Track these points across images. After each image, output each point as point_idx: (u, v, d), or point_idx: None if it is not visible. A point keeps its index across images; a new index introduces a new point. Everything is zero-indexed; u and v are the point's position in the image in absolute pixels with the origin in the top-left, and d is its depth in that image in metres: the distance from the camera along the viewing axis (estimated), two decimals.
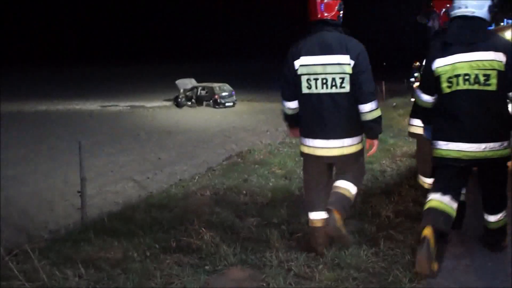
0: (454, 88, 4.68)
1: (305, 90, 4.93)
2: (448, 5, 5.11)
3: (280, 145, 12.77)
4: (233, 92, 32.64)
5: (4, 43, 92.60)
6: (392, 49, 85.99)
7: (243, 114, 28.13)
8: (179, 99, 32.24)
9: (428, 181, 6.02)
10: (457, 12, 4.68)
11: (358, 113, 4.88)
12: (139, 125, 23.50)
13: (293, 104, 5.13)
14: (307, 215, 5.35)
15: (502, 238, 5.09)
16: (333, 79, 4.79)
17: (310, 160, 5.17)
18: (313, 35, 4.94)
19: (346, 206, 5.05)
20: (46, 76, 62.00)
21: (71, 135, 20.24)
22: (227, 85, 33.16)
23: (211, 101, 31.73)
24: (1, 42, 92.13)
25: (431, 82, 4.90)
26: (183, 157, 15.27)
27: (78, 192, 7.98)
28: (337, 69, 4.78)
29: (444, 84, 4.74)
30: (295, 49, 4.98)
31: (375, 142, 5.07)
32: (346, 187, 5.07)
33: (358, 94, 4.80)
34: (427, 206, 4.82)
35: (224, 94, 32.08)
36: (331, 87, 4.81)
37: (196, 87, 32.92)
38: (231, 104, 31.78)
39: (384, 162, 9.80)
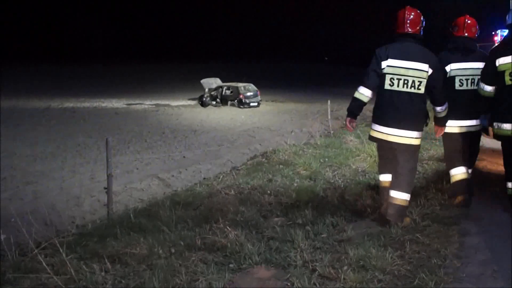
0: None
1: (387, 86, 6.04)
2: None
3: (305, 146, 12.73)
4: (258, 92, 32.60)
5: (30, 40, 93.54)
6: None
7: (268, 114, 28.08)
8: (204, 98, 32.28)
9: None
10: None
11: (424, 112, 6.25)
12: (164, 124, 23.58)
13: (369, 94, 6.12)
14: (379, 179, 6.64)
15: None
16: (413, 81, 5.98)
17: (381, 144, 6.33)
18: (399, 43, 6.12)
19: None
20: (72, 73, 62.53)
21: (98, 132, 20.41)
22: (252, 85, 33.12)
23: (235, 100, 31.71)
24: (27, 39, 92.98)
25: (494, 76, 6.34)
26: (207, 156, 15.30)
27: (105, 188, 8.03)
28: (417, 73, 5.96)
29: (507, 78, 6.16)
30: (382, 52, 6.07)
31: (443, 128, 6.61)
32: (398, 196, 6.14)
33: (435, 98, 6.24)
34: None
35: (249, 94, 32.03)
36: (410, 88, 5.99)
37: (221, 87, 32.94)
38: (255, 104, 31.73)
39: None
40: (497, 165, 9.04)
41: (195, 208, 7.29)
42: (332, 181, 8.75)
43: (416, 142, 6.09)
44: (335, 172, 9.42)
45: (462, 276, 4.70)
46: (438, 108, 6.34)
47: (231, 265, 5.05)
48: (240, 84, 33.07)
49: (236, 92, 32.20)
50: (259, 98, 32.54)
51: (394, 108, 6.01)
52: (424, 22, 6.25)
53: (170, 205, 7.17)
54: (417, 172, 8.58)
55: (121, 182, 11.81)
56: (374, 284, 4.53)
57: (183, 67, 71.30)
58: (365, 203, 7.03)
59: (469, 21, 6.89)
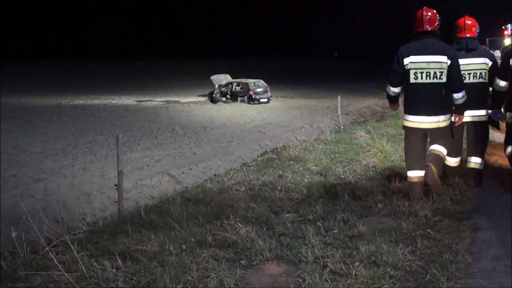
0: None
1: (412, 80, 6.84)
2: None
3: (315, 142, 12.70)
4: (268, 88, 32.54)
5: (40, 37, 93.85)
6: None
7: (278, 110, 28.04)
8: (214, 95, 32.25)
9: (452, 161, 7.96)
10: None
11: (449, 98, 6.91)
12: (174, 120, 23.59)
13: (398, 90, 7.15)
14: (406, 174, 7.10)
15: None
16: (435, 73, 6.75)
17: (412, 131, 7.01)
18: (419, 41, 6.90)
19: (440, 163, 7.14)
20: (82, 70, 62.72)
21: (108, 129, 20.45)
22: (262, 81, 33.04)
23: (245, 97, 31.65)
24: (37, 36, 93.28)
25: (509, 72, 7.04)
26: (218, 153, 15.29)
27: (115, 185, 8.05)
28: (438, 65, 6.74)
29: None
30: (404, 50, 6.88)
31: (462, 116, 7.14)
32: (440, 149, 7.10)
33: (453, 85, 6.84)
34: None
35: (259, 90, 31.97)
36: (433, 78, 6.77)
37: (231, 83, 32.88)
38: (265, 100, 31.66)
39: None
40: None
41: (206, 204, 7.29)
42: (343, 176, 8.73)
43: (445, 124, 6.95)
44: (346, 168, 9.39)
45: (474, 271, 4.68)
46: (455, 95, 6.91)
47: (242, 262, 5.05)
48: (250, 80, 33.02)
49: (246, 88, 32.16)
50: (269, 94, 32.48)
51: (421, 98, 6.84)
52: (440, 20, 7.00)
53: (180, 201, 7.16)
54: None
55: (132, 179, 11.84)
56: (386, 280, 4.52)
57: (193, 64, 71.33)
58: (376, 198, 7.02)
59: (469, 22, 7.65)
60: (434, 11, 6.97)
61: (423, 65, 6.77)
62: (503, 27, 24.66)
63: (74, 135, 18.89)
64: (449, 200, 6.77)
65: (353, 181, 8.32)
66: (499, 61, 7.99)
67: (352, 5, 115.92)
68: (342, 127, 16.80)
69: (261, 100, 31.62)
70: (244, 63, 69.04)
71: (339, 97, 20.14)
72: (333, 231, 5.81)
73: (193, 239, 5.60)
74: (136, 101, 32.93)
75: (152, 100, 33.56)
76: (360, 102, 29.57)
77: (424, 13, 6.91)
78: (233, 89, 32.69)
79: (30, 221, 6.22)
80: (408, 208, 6.48)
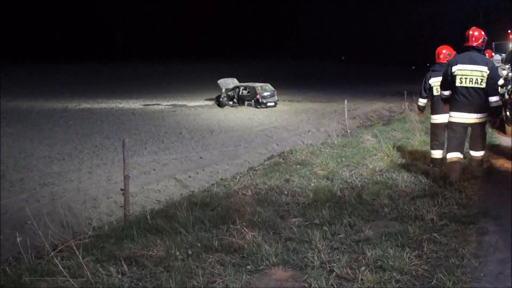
0: None
1: (458, 84, 8.39)
2: None
3: (322, 146, 12.69)
4: (275, 92, 32.52)
5: (45, 40, 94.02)
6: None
7: (285, 114, 28.00)
8: (221, 99, 32.24)
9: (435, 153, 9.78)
10: None
11: (486, 100, 8.32)
12: (181, 124, 23.57)
13: (447, 93, 8.73)
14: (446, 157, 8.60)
15: None
16: (476, 79, 8.28)
17: (455, 125, 8.51)
18: (465, 53, 8.50)
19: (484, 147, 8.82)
20: (89, 73, 62.92)
21: (115, 133, 20.45)
22: (269, 85, 33.02)
23: (252, 101, 31.67)
24: (42, 39, 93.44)
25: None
26: (224, 157, 15.26)
27: (121, 189, 8.03)
28: (479, 74, 8.27)
29: None
30: (453, 60, 8.64)
31: (498, 120, 8.91)
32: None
33: (490, 91, 8.27)
34: None
35: (266, 94, 31.95)
36: (474, 84, 8.29)
37: (238, 87, 32.87)
38: (272, 104, 31.64)
39: (429, 164, 9.71)
40: None
41: (212, 209, 7.30)
42: (349, 180, 8.73)
43: (482, 120, 8.49)
44: (352, 172, 9.39)
45: (480, 275, 4.67)
46: (492, 99, 8.32)
47: (248, 267, 5.04)
48: (257, 84, 33.01)
49: (253, 92, 32.15)
50: (276, 98, 32.46)
51: (465, 99, 8.37)
52: (485, 38, 8.65)
53: (187, 206, 7.16)
54: (434, 172, 8.70)
55: (138, 183, 11.82)
56: (392, 284, 4.50)
57: (200, 67, 71.47)
58: (383, 202, 7.02)
59: (475, 33, 8.62)
60: (482, 32, 8.61)
61: (468, 72, 8.33)
62: (509, 31, 24.70)
63: (81, 139, 18.90)
64: (455, 204, 6.75)
65: (359, 185, 8.33)
66: (498, 65, 9.75)
67: (360, 8, 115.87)
68: (349, 131, 16.76)
69: (268, 104, 31.60)
70: (251, 66, 69.09)
71: (345, 101, 20.11)
72: (340, 236, 5.80)
73: (199, 244, 5.60)
74: (143, 105, 32.98)
75: (159, 104, 33.60)
76: (367, 106, 29.53)
77: (471, 32, 8.57)
78: (240, 93, 32.69)
79: (35, 226, 6.22)
80: (414, 212, 6.47)
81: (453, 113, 8.54)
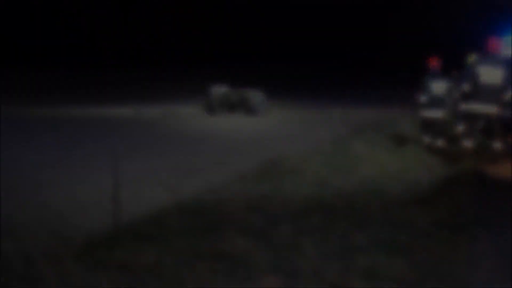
0: None
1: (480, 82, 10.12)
2: None
3: (313, 153, 12.71)
4: (266, 99, 32.57)
5: (41, 45, 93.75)
6: None
7: (276, 121, 28.01)
8: (212, 106, 32.29)
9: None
10: None
11: None
12: (172, 131, 23.55)
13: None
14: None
15: None
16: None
17: (474, 116, 10.30)
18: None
19: None
20: (78, 80, 62.70)
21: (105, 140, 20.36)
22: (260, 92, 33.11)
23: (243, 108, 31.71)
24: (38, 45, 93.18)
25: None
26: (215, 164, 15.24)
27: (112, 197, 8.00)
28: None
29: None
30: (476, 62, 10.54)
31: None
32: None
33: None
34: None
35: (257, 101, 32.03)
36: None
37: (229, 94, 32.95)
38: (263, 111, 31.71)
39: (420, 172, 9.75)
40: None
41: (203, 216, 7.26)
42: (341, 188, 8.72)
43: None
44: (344, 179, 9.39)
45: (474, 283, 4.65)
46: None
47: (239, 275, 5.01)
48: (248, 91, 33.06)
49: (244, 99, 32.18)
50: (267, 105, 32.50)
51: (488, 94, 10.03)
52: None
53: (178, 213, 7.13)
54: (425, 180, 8.72)
55: (128, 190, 11.77)
56: None
57: (191, 73, 71.49)
58: (374, 210, 7.01)
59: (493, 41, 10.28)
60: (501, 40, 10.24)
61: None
62: None
63: (71, 146, 18.81)
64: (448, 210, 6.76)
65: (351, 192, 8.32)
66: None
67: (359, 16, 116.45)
68: (341, 139, 16.78)
69: (259, 111, 31.62)
70: (242, 73, 69.11)
71: (338, 108, 20.18)
72: (331, 243, 5.78)
73: (190, 251, 5.57)
74: (134, 111, 32.90)
75: (150, 111, 33.54)
76: (359, 114, 29.60)
77: (491, 40, 10.24)
78: (231, 100, 32.70)
79: (25, 233, 6.17)
80: (406, 219, 6.47)
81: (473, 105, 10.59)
